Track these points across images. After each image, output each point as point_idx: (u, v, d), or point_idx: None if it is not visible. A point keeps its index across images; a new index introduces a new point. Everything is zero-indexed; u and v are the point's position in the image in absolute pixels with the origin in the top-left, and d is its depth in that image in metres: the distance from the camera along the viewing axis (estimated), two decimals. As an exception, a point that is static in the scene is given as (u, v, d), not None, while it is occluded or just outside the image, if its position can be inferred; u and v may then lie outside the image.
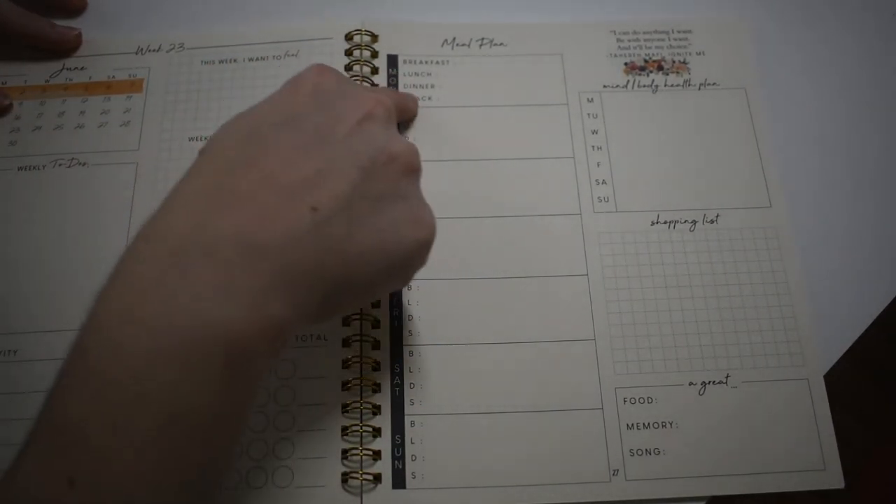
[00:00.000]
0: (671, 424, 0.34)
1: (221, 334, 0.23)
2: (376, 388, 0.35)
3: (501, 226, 0.38)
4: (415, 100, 0.40)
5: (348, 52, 0.42)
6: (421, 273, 0.30)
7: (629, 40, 0.43)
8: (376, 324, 0.36)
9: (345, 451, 0.33)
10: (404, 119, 0.40)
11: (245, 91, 0.41)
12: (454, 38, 0.43)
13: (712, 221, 0.38)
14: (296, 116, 0.27)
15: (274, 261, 0.24)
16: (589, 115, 0.41)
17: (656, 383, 0.35)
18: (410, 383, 0.35)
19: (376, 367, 0.35)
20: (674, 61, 0.42)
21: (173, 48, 0.42)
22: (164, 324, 0.22)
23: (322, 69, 0.30)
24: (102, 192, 0.39)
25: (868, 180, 0.40)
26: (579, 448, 0.34)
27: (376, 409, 0.34)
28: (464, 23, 0.43)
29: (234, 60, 0.42)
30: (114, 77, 0.42)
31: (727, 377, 0.35)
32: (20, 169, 0.39)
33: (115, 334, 0.23)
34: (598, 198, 0.39)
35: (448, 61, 0.42)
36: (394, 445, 0.34)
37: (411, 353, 0.35)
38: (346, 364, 0.35)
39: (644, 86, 0.42)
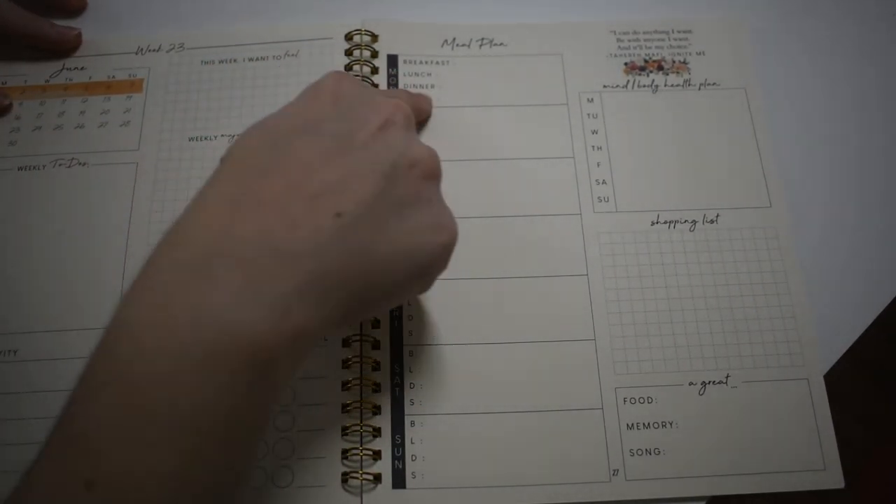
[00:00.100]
0: (671, 424, 0.34)
1: (245, 340, 0.23)
2: (376, 388, 0.35)
3: (501, 226, 0.38)
4: (428, 100, 0.40)
5: (348, 52, 0.42)
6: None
7: (629, 40, 0.43)
8: (376, 324, 0.36)
9: (345, 451, 0.33)
10: (418, 120, 0.40)
11: (245, 91, 0.41)
12: (454, 39, 0.43)
13: (712, 221, 0.38)
14: (316, 123, 0.27)
15: (298, 266, 0.24)
16: (589, 115, 0.41)
17: (656, 383, 0.35)
18: (410, 383, 0.35)
19: (376, 367, 0.35)
20: (674, 61, 0.42)
21: (173, 48, 0.42)
22: (187, 329, 0.22)
23: (341, 76, 0.30)
24: (102, 192, 0.39)
25: (868, 180, 0.40)
26: (579, 448, 0.34)
27: (376, 409, 0.34)
28: (464, 23, 0.43)
29: (234, 60, 0.42)
30: (114, 77, 0.42)
31: (727, 377, 0.35)
32: (20, 169, 0.39)
33: (138, 339, 0.23)
34: (598, 198, 0.39)
35: (448, 61, 0.42)
36: (394, 445, 0.34)
37: (411, 353, 0.35)
38: (346, 364, 0.35)
39: (644, 86, 0.42)
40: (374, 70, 0.41)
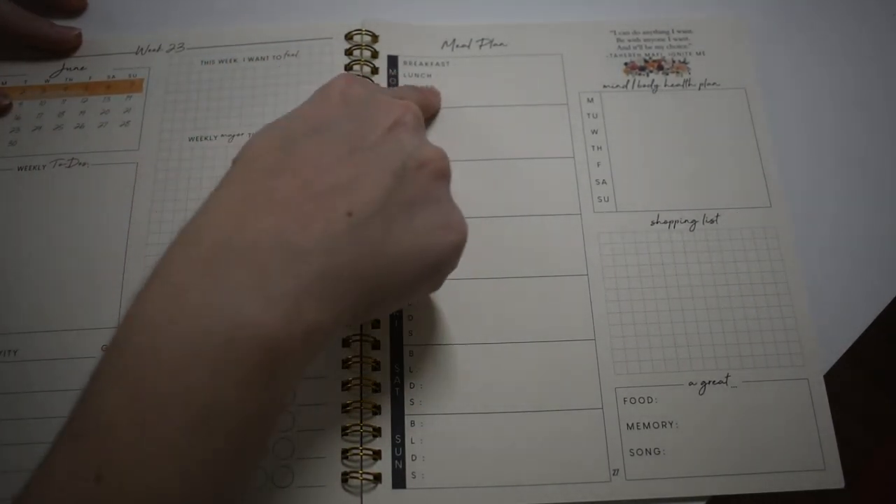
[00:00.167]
0: (671, 424, 0.34)
1: (256, 336, 0.23)
2: (376, 388, 0.35)
3: (501, 226, 0.38)
4: (437, 95, 0.40)
5: (348, 52, 0.42)
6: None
7: (629, 40, 0.43)
8: (376, 324, 0.36)
9: (345, 451, 0.33)
10: (427, 115, 0.40)
11: (245, 91, 0.41)
12: (454, 39, 0.43)
13: (712, 221, 0.38)
14: (327, 125, 0.28)
15: (310, 264, 0.24)
16: (589, 114, 0.41)
17: (656, 383, 0.35)
18: (410, 383, 0.35)
19: (376, 366, 0.35)
20: (674, 61, 0.42)
21: (173, 48, 0.42)
22: (199, 325, 0.23)
23: (350, 78, 0.30)
24: (102, 192, 0.39)
25: (868, 180, 0.40)
26: (579, 448, 0.34)
27: (376, 409, 0.34)
28: (464, 23, 0.43)
29: (234, 60, 0.42)
30: (114, 77, 0.42)
31: (727, 377, 0.35)
32: (20, 169, 0.39)
33: (151, 334, 0.23)
34: (598, 197, 0.39)
35: (448, 62, 0.42)
36: (394, 445, 0.34)
37: (411, 353, 0.35)
38: (346, 364, 0.35)
39: (644, 86, 0.42)
40: (374, 70, 0.41)
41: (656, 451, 0.34)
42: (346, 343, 0.35)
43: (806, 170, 0.40)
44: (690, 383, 0.35)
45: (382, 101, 0.30)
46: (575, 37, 0.43)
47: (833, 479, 0.33)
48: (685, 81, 0.42)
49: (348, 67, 0.41)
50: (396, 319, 0.36)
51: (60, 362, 0.35)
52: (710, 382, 0.35)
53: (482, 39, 0.43)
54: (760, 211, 0.39)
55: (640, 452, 0.34)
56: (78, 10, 0.44)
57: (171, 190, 0.39)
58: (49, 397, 0.34)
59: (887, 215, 0.39)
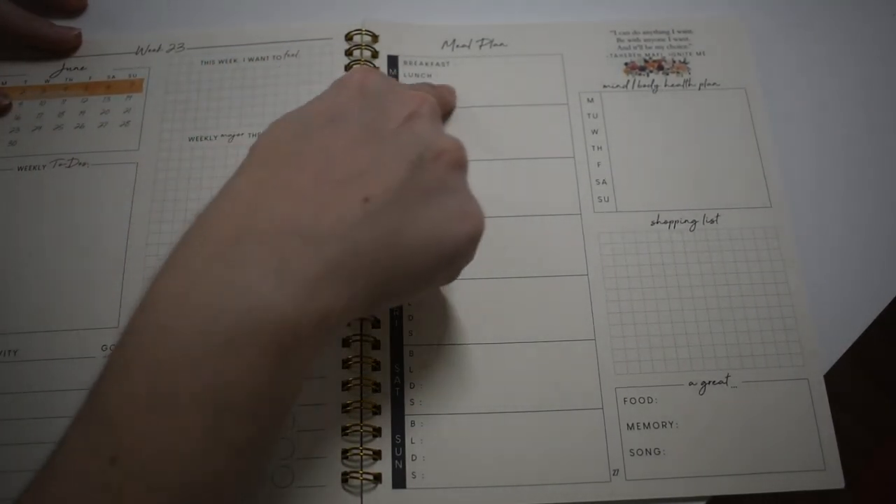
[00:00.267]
0: (671, 424, 0.34)
1: (271, 319, 0.23)
2: (376, 388, 0.35)
3: (501, 226, 0.38)
4: (452, 92, 0.40)
5: (348, 53, 0.42)
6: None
7: (629, 40, 0.43)
8: (376, 324, 0.36)
9: (345, 451, 0.33)
10: (444, 112, 0.40)
11: (245, 91, 0.41)
12: (454, 39, 0.43)
13: (712, 221, 0.38)
14: (343, 114, 0.28)
15: (326, 249, 0.24)
16: (589, 114, 0.41)
17: (656, 383, 0.35)
18: (410, 383, 0.35)
19: (376, 366, 0.35)
20: (674, 61, 0.42)
21: (173, 48, 0.42)
22: (214, 307, 0.23)
23: (367, 70, 0.30)
24: (102, 192, 0.39)
25: (868, 180, 0.40)
26: (579, 448, 0.34)
27: (376, 409, 0.34)
28: (464, 24, 0.43)
29: (234, 60, 0.42)
30: (114, 77, 0.42)
31: (727, 377, 0.35)
32: (20, 169, 0.39)
33: (166, 316, 0.23)
34: (599, 198, 0.39)
35: (448, 62, 0.42)
36: (394, 445, 0.34)
37: (411, 353, 0.35)
38: (346, 364, 0.35)
39: (644, 86, 0.42)
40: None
41: (656, 451, 0.34)
42: (346, 343, 0.35)
43: (806, 170, 0.40)
44: (691, 383, 0.35)
45: (400, 93, 0.30)
46: (575, 37, 0.43)
47: (833, 479, 0.33)
48: (685, 81, 0.42)
49: (348, 67, 0.41)
50: (396, 319, 0.36)
51: (60, 362, 0.35)
52: (710, 382, 0.35)
53: (482, 39, 0.43)
54: (760, 211, 0.39)
55: (640, 452, 0.34)
56: (78, 10, 0.44)
57: (171, 190, 0.39)
58: (49, 397, 0.34)
59: (887, 215, 0.39)
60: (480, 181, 0.39)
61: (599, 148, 0.40)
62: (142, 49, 0.42)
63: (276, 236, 0.24)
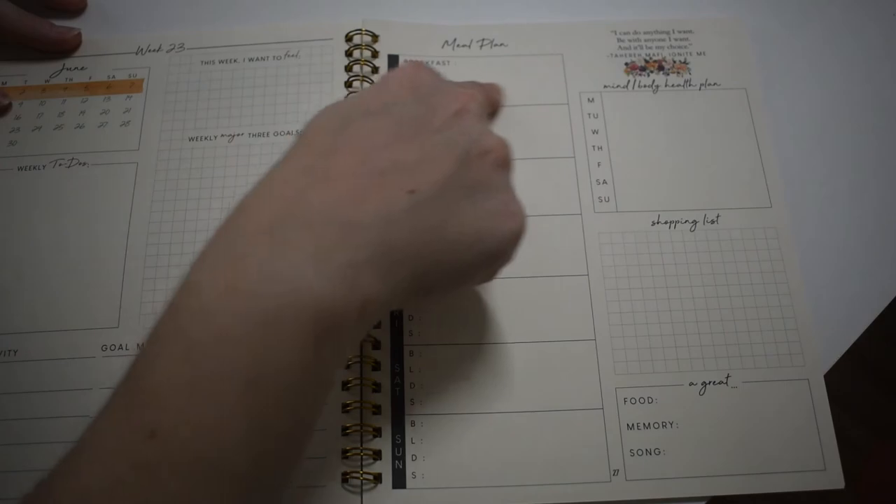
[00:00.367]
0: (671, 424, 0.34)
1: (312, 303, 0.23)
2: (376, 388, 0.35)
3: (502, 226, 0.38)
4: (499, 90, 0.40)
5: (348, 53, 0.42)
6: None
7: (630, 40, 0.43)
8: (376, 324, 0.36)
9: (345, 451, 0.33)
10: (491, 111, 0.40)
11: (245, 91, 0.41)
12: (455, 39, 0.43)
13: (713, 221, 0.38)
14: (392, 106, 0.28)
15: (368, 238, 0.25)
16: (589, 115, 0.41)
17: (656, 383, 0.35)
18: (410, 383, 0.35)
19: (376, 366, 0.35)
20: (674, 61, 0.42)
21: (173, 48, 0.42)
22: (256, 290, 0.23)
23: (417, 65, 0.30)
24: (102, 192, 0.39)
25: (868, 180, 0.40)
26: (579, 448, 0.34)
27: (376, 409, 0.34)
28: (464, 24, 0.43)
29: (234, 60, 0.42)
30: (114, 77, 0.42)
31: (727, 377, 0.35)
32: (20, 169, 0.39)
33: (208, 298, 0.23)
34: (599, 198, 0.39)
35: (449, 61, 0.42)
36: (394, 445, 0.34)
37: (411, 353, 0.35)
38: (346, 364, 0.35)
39: (645, 86, 0.42)
40: (375, 70, 0.41)
41: (656, 451, 0.34)
42: (346, 343, 0.35)
43: (806, 170, 0.40)
44: (691, 383, 0.35)
45: (448, 89, 0.30)
46: (576, 37, 0.43)
47: (833, 479, 0.33)
48: (686, 82, 0.42)
49: (348, 68, 0.41)
50: (396, 319, 0.36)
51: (60, 362, 0.35)
52: (710, 383, 0.35)
53: (483, 39, 0.43)
54: (761, 211, 0.39)
55: (640, 452, 0.34)
56: (78, 10, 0.44)
57: (171, 190, 0.39)
58: (49, 397, 0.34)
59: (888, 215, 0.39)
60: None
61: (600, 148, 0.40)
62: (142, 49, 0.42)
63: (319, 222, 0.24)
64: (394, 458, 0.34)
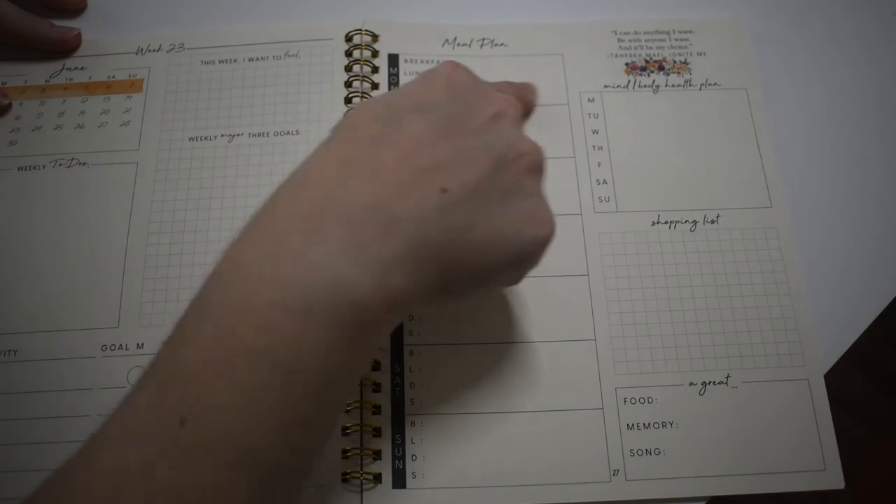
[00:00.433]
0: (671, 424, 0.34)
1: (346, 295, 0.23)
2: (376, 388, 0.35)
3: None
4: (534, 91, 0.40)
5: (348, 53, 0.42)
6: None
7: (630, 40, 0.43)
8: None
9: (345, 451, 0.33)
10: (526, 112, 0.40)
11: (245, 91, 0.41)
12: (455, 38, 0.43)
13: (713, 221, 0.38)
14: (431, 104, 0.28)
15: (403, 233, 0.25)
16: (590, 115, 0.41)
17: (656, 383, 0.35)
18: (410, 383, 0.35)
19: (376, 367, 0.35)
20: (675, 61, 0.42)
21: (173, 48, 0.42)
22: (293, 280, 0.23)
23: (456, 65, 0.31)
24: (102, 192, 0.39)
25: (868, 180, 0.40)
26: (579, 448, 0.34)
27: (376, 409, 0.34)
28: (465, 23, 0.43)
29: (234, 60, 0.42)
30: (114, 77, 0.42)
31: (727, 377, 0.35)
32: (20, 169, 0.39)
33: (242, 287, 0.23)
34: (599, 198, 0.39)
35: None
36: (394, 445, 0.34)
37: (411, 353, 0.35)
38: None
39: (645, 86, 0.42)
40: (375, 70, 0.41)
41: (656, 451, 0.34)
42: (346, 343, 0.35)
43: (806, 170, 0.40)
44: (691, 383, 0.35)
45: (487, 92, 0.30)
46: (576, 37, 0.43)
47: (833, 479, 0.33)
48: (686, 82, 0.42)
49: (348, 68, 0.41)
50: (397, 319, 0.36)
51: (60, 362, 0.35)
52: (710, 383, 0.35)
53: (483, 39, 0.43)
54: (761, 211, 0.39)
55: (640, 452, 0.34)
56: (78, 10, 0.44)
57: (171, 190, 0.39)
58: (49, 397, 0.34)
59: (887, 215, 0.39)
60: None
61: (600, 148, 0.40)
62: (142, 49, 0.42)
63: (355, 215, 0.24)
64: (394, 458, 0.34)
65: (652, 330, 0.36)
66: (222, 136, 0.40)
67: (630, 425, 0.34)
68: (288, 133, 0.40)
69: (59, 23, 0.42)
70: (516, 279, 0.31)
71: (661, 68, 0.42)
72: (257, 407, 0.22)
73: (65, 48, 0.42)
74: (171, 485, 0.21)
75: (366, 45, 0.42)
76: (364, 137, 0.27)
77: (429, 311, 0.36)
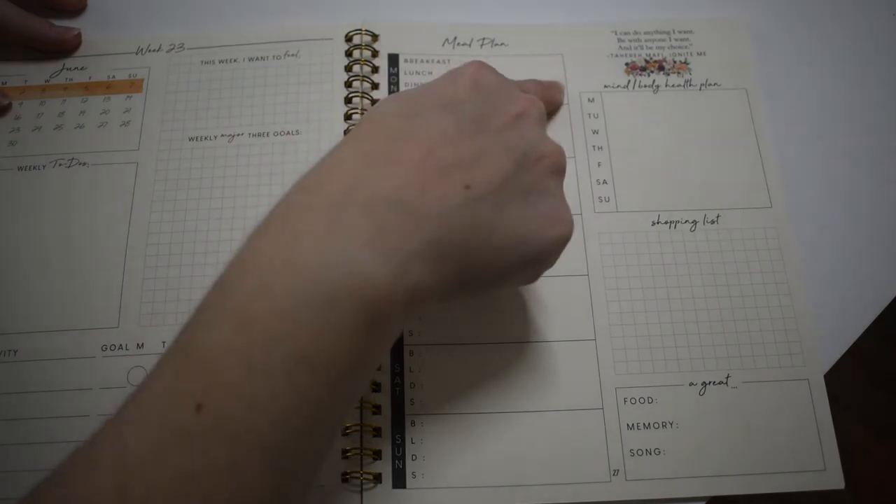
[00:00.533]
0: (671, 424, 0.34)
1: (367, 287, 0.23)
2: (376, 388, 0.35)
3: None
4: (560, 89, 0.40)
5: (348, 53, 0.42)
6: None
7: (630, 40, 0.43)
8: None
9: (345, 451, 0.33)
10: (550, 110, 0.40)
11: (245, 91, 0.41)
12: (455, 38, 0.43)
13: (713, 222, 0.38)
14: (455, 102, 0.28)
15: (423, 228, 0.25)
16: (590, 115, 0.41)
17: (656, 383, 0.35)
18: (410, 383, 0.35)
19: (376, 367, 0.35)
20: (675, 61, 0.42)
21: (173, 48, 0.42)
22: (313, 269, 0.23)
23: (482, 65, 0.31)
24: (102, 192, 0.39)
25: (868, 180, 0.40)
26: (579, 448, 0.34)
27: (376, 409, 0.34)
28: (465, 23, 0.43)
29: (234, 60, 0.42)
30: (114, 77, 0.42)
31: (727, 377, 0.35)
32: (20, 169, 0.39)
33: (264, 275, 0.23)
34: (599, 198, 0.39)
35: (449, 60, 0.42)
36: (394, 445, 0.34)
37: (411, 353, 0.35)
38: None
39: (645, 86, 0.42)
40: (375, 69, 0.41)
41: (656, 451, 0.34)
42: (346, 343, 0.35)
43: (806, 170, 0.40)
44: (691, 384, 0.35)
45: (511, 92, 0.30)
46: (576, 37, 0.43)
47: (833, 479, 0.33)
48: (686, 82, 0.42)
49: (348, 68, 0.41)
50: (397, 319, 0.36)
51: (60, 362, 0.35)
52: (710, 383, 0.35)
53: (483, 39, 0.43)
54: (761, 211, 0.39)
55: (640, 452, 0.34)
56: (78, 10, 0.44)
57: (171, 190, 0.39)
58: (49, 397, 0.34)
59: (888, 215, 0.39)
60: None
61: (600, 148, 0.40)
62: (142, 49, 0.42)
63: (378, 208, 0.25)
64: (394, 457, 0.34)
65: (652, 330, 0.36)
66: (222, 136, 0.40)
67: (630, 425, 0.34)
68: (288, 133, 0.40)
69: (59, 23, 0.42)
70: (533, 278, 0.31)
71: (661, 68, 0.42)
72: (275, 395, 0.22)
73: (65, 48, 0.42)
74: (186, 470, 0.21)
75: (366, 45, 0.42)
76: (388, 132, 0.27)
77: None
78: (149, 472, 0.21)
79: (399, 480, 0.33)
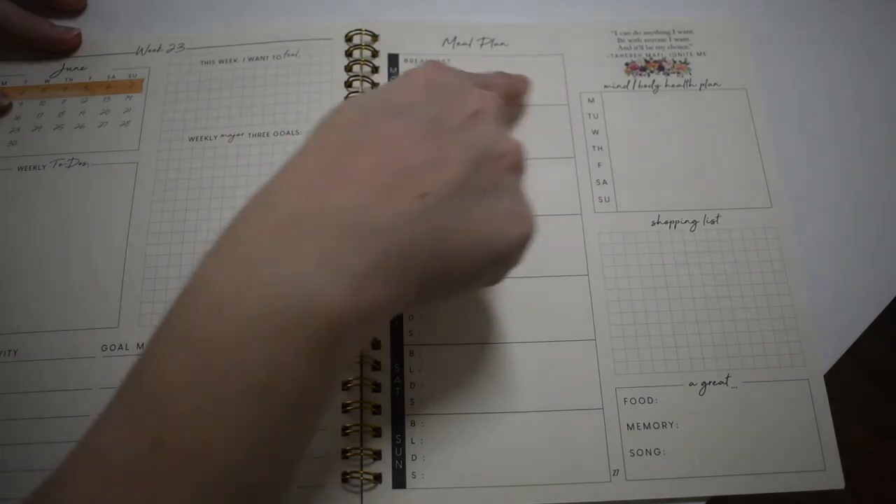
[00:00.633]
0: (671, 424, 0.34)
1: (322, 310, 0.23)
2: (376, 388, 0.35)
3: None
4: (526, 82, 0.40)
5: (348, 53, 0.42)
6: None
7: (630, 41, 0.43)
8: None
9: (345, 451, 0.33)
10: (518, 101, 0.40)
11: (245, 91, 0.41)
12: (455, 38, 0.43)
13: (713, 222, 0.38)
14: (409, 106, 0.28)
15: (380, 241, 0.24)
16: (590, 115, 0.41)
17: (656, 383, 0.35)
18: (410, 383, 0.35)
19: (376, 366, 0.35)
20: (674, 62, 0.42)
21: (173, 48, 0.42)
22: (265, 294, 0.23)
23: (437, 65, 0.30)
24: (102, 192, 0.39)
25: (868, 180, 0.40)
26: (579, 448, 0.34)
27: (376, 409, 0.34)
28: (465, 22, 0.43)
29: (234, 60, 0.42)
30: (114, 77, 0.42)
31: (727, 377, 0.35)
32: (20, 169, 0.39)
33: (218, 300, 0.23)
34: (599, 198, 0.39)
35: (449, 60, 0.42)
36: (394, 445, 0.34)
37: (411, 353, 0.35)
38: (348, 367, 0.35)
39: (645, 86, 0.42)
40: (375, 69, 0.41)
41: (656, 451, 0.34)
42: (346, 343, 0.35)
43: (806, 170, 0.40)
44: (691, 384, 0.35)
45: (466, 90, 0.30)
46: (576, 37, 0.43)
47: (833, 479, 0.33)
48: (686, 82, 0.42)
49: (348, 68, 0.41)
50: (396, 319, 0.36)
51: (60, 362, 0.35)
52: (709, 382, 0.35)
53: (483, 39, 0.43)
54: (761, 211, 0.39)
55: (640, 453, 0.34)
56: (78, 10, 0.44)
57: (171, 190, 0.39)
58: (49, 397, 0.34)
59: (887, 215, 0.39)
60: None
61: (600, 148, 0.40)
62: (142, 49, 0.42)
63: (331, 226, 0.24)
64: (394, 458, 0.34)
65: (652, 330, 0.36)
66: (222, 136, 0.40)
67: (630, 425, 0.34)
68: (288, 133, 0.40)
69: (59, 23, 0.42)
70: (496, 279, 0.31)
71: (661, 68, 0.42)
72: (232, 424, 0.22)
73: (65, 48, 0.42)
74: None
75: (366, 45, 0.42)
76: (340, 144, 0.26)
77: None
78: None
79: (399, 480, 0.33)
